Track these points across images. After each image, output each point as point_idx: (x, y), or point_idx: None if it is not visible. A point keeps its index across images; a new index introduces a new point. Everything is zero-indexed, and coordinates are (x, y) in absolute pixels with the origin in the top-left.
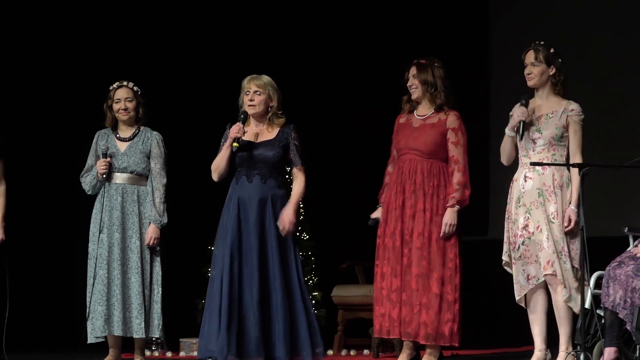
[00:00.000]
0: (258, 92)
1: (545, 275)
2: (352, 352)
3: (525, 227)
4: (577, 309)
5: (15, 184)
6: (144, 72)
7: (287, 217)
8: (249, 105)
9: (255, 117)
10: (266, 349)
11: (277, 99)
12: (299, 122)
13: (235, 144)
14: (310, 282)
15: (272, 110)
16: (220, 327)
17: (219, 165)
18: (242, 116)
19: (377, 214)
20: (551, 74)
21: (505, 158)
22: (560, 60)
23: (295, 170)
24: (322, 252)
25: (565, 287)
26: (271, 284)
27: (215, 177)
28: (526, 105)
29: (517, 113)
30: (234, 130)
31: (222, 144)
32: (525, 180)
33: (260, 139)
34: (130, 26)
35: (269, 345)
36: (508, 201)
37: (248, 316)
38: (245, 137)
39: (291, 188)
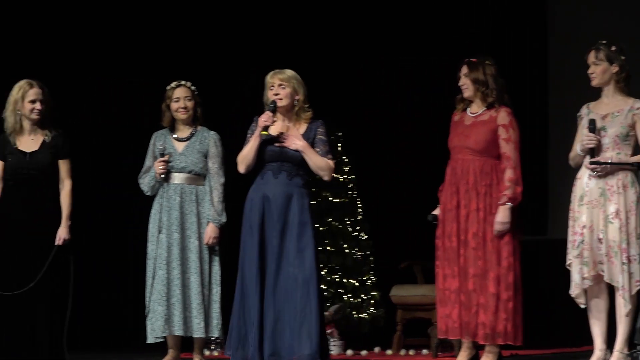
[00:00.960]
0: (283, 86)
1: (592, 275)
2: (411, 352)
3: (586, 226)
4: (627, 309)
5: (76, 185)
6: (198, 73)
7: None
8: (275, 100)
9: (282, 113)
10: (276, 346)
11: (302, 92)
12: (359, 121)
13: (264, 132)
14: (369, 281)
15: (299, 104)
16: (242, 326)
17: (246, 156)
18: (271, 105)
19: (436, 211)
20: (614, 72)
21: (573, 165)
22: (623, 57)
23: None
24: (381, 251)
25: (622, 288)
26: (286, 283)
27: (242, 168)
28: (594, 130)
29: (586, 141)
30: (263, 119)
31: (248, 135)
32: (589, 179)
33: (286, 135)
34: (184, 27)
35: (279, 342)
36: (571, 199)
37: (267, 313)
38: (273, 132)
39: (336, 179)
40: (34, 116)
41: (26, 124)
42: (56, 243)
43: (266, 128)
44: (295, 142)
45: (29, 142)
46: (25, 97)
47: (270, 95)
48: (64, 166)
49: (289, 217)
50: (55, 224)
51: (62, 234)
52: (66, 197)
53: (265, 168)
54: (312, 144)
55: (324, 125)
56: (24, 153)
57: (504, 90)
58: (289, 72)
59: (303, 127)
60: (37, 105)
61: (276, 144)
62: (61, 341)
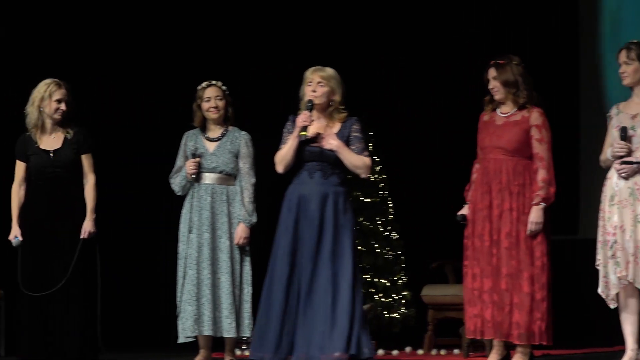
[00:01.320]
0: (321, 84)
1: (619, 277)
2: (442, 352)
3: (617, 226)
4: None
5: (106, 185)
6: (229, 72)
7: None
8: (311, 97)
9: (317, 110)
10: (308, 346)
11: (340, 93)
12: (390, 121)
13: (303, 133)
14: (400, 281)
15: (334, 104)
16: (272, 326)
17: (284, 156)
18: (308, 104)
19: (464, 210)
20: None
21: (604, 166)
22: None
23: None
24: (412, 251)
25: None
26: (320, 283)
27: (280, 168)
28: (625, 138)
29: (617, 148)
30: (301, 119)
31: (284, 135)
32: (619, 179)
33: (322, 135)
34: (215, 26)
35: (310, 341)
36: (602, 199)
37: (298, 313)
38: (308, 134)
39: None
40: (57, 116)
41: (48, 123)
42: (82, 236)
43: (305, 128)
44: (330, 141)
45: (51, 141)
46: (53, 95)
47: (307, 91)
48: (86, 161)
49: (325, 217)
50: (81, 220)
51: (87, 227)
52: (90, 191)
53: (302, 168)
54: (347, 142)
55: (358, 122)
56: (48, 152)
57: (533, 88)
58: (330, 71)
59: (337, 126)
60: (62, 106)
61: (312, 145)
62: (94, 339)
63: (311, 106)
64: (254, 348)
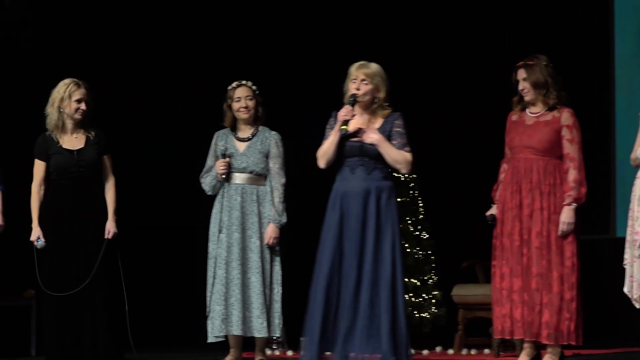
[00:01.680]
0: (365, 81)
1: None
2: (473, 352)
3: None
4: None
5: (137, 186)
6: (259, 72)
7: None
8: (354, 93)
9: (360, 107)
10: (348, 344)
11: (384, 90)
12: (421, 120)
13: (344, 127)
14: (430, 281)
15: (378, 102)
16: (320, 323)
17: (326, 151)
18: (351, 99)
19: (492, 210)
20: None
21: (634, 165)
22: None
23: None
24: (442, 251)
25: None
26: (362, 279)
27: (322, 164)
28: None
29: None
30: (343, 113)
31: (327, 130)
32: None
33: (365, 130)
34: (245, 26)
35: (352, 340)
36: (631, 199)
37: (342, 312)
38: (349, 127)
39: (397, 178)
40: (78, 116)
41: (68, 123)
42: (105, 237)
43: (346, 122)
44: (371, 135)
45: (73, 141)
46: (72, 96)
47: (351, 87)
48: (107, 162)
49: (367, 212)
50: (104, 221)
51: (110, 227)
52: (111, 192)
53: (344, 164)
54: (389, 137)
55: (401, 117)
56: (71, 151)
57: (563, 88)
58: (375, 68)
59: (379, 122)
60: (82, 106)
61: (353, 139)
62: (122, 339)
63: (353, 101)
64: (305, 344)
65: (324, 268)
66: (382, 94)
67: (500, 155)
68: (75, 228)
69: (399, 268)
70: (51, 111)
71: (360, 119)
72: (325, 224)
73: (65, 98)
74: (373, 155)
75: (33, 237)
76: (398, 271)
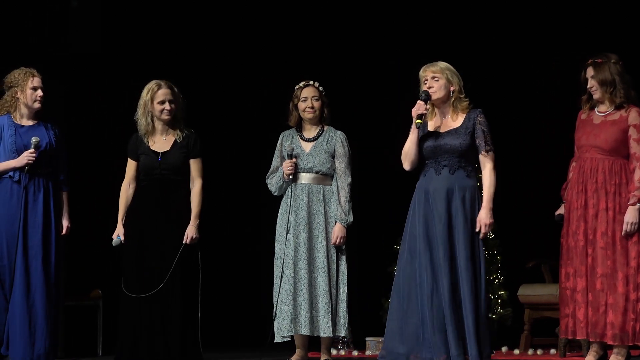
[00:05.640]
0: (436, 78)
1: None
2: (539, 352)
3: None
4: None
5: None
6: (325, 72)
7: (482, 221)
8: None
9: (438, 105)
10: (426, 345)
11: (457, 83)
12: (487, 119)
13: (418, 121)
14: (496, 281)
15: (454, 94)
16: (404, 325)
17: (407, 152)
18: (422, 95)
19: (561, 210)
20: None
21: None
22: None
23: (481, 157)
24: (508, 250)
25: None
26: (459, 278)
27: (406, 165)
28: None
29: None
30: (415, 109)
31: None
32: None
33: (446, 129)
34: (312, 27)
35: (428, 341)
36: None
37: (439, 313)
38: (430, 128)
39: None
40: (165, 116)
41: (158, 125)
42: (184, 242)
43: (420, 116)
44: (482, 229)
45: (161, 143)
46: (155, 98)
47: (424, 89)
48: (194, 165)
49: (452, 213)
50: (186, 224)
51: (190, 232)
52: (196, 196)
53: (427, 166)
54: (472, 134)
55: (482, 113)
56: (156, 154)
57: (631, 87)
58: (442, 64)
59: (460, 118)
60: (167, 106)
61: (435, 141)
62: (195, 341)
63: (426, 96)
64: (385, 344)
65: (406, 269)
66: (455, 87)
67: (569, 153)
68: (155, 230)
69: (479, 270)
70: (140, 117)
71: (441, 117)
72: (408, 224)
73: (148, 102)
74: (456, 153)
75: (114, 234)
76: (484, 274)
